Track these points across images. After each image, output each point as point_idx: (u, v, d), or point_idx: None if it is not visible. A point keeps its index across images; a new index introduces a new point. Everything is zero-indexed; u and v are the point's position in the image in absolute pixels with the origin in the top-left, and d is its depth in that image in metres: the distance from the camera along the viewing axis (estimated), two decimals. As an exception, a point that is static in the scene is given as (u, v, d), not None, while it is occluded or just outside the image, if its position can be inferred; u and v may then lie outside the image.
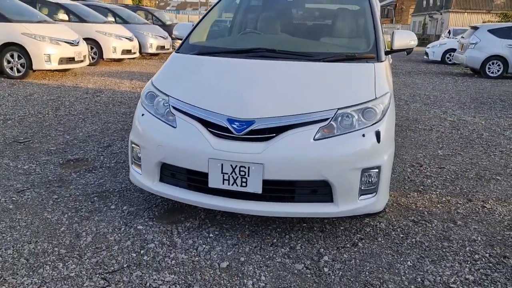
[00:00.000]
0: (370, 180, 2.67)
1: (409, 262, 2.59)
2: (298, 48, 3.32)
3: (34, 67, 8.67)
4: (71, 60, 9.26)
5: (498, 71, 12.44)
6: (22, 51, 8.59)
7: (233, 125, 2.62)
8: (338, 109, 2.66)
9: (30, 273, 2.34)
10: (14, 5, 9.51)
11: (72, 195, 3.34)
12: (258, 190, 2.58)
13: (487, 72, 12.52)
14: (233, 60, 3.13)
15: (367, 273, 2.47)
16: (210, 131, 2.67)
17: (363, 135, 2.61)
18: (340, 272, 2.46)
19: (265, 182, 2.58)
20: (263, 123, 2.60)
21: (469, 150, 4.98)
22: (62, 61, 9.01)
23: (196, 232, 2.84)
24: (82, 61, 9.62)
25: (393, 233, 2.94)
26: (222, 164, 2.59)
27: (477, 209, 3.37)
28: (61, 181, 3.61)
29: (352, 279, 2.40)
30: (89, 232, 2.79)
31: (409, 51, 3.75)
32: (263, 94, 2.76)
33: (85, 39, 10.83)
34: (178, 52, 3.41)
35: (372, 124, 2.67)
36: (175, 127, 2.76)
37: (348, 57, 3.12)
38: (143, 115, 2.95)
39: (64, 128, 5.23)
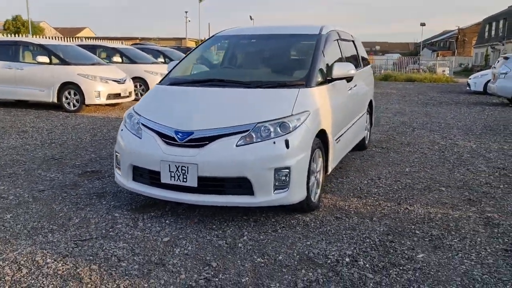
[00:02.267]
0: (282, 178, 3.42)
1: (307, 242, 3.27)
2: (242, 78, 4.21)
3: (86, 102, 10.19)
4: (117, 95, 10.72)
5: (531, 100, 12.36)
6: (77, 89, 10.16)
7: (177, 135, 3.51)
8: (258, 123, 3.46)
9: (27, 238, 3.31)
10: (74, 50, 11.27)
11: (77, 194, 4.35)
12: (194, 184, 3.42)
13: (519, 101, 12.48)
14: (190, 88, 4.08)
15: (270, 247, 3.18)
16: (163, 140, 3.57)
17: (274, 143, 3.38)
18: (250, 247, 3.20)
19: (200, 178, 3.41)
20: (199, 133, 3.47)
21: (437, 168, 5.46)
22: (110, 96, 10.48)
23: (156, 219, 3.70)
24: (128, 96, 11.07)
25: (312, 224, 3.61)
26: (169, 165, 3.47)
27: (399, 210, 3.94)
28: (74, 185, 4.65)
29: (255, 251, 3.13)
30: (78, 217, 3.75)
31: (348, 79, 4.47)
32: (202, 112, 3.65)
33: (134, 78, 12.44)
34: (158, 84, 4.41)
35: (285, 134, 3.44)
36: (141, 138, 3.70)
37: (280, 84, 3.93)
38: (122, 130, 3.93)
39: (93, 149, 6.37)
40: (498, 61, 13.87)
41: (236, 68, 4.91)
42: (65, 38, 24.85)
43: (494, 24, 48.38)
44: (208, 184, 3.45)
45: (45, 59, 10.23)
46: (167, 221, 3.66)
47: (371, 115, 6.75)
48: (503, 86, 12.67)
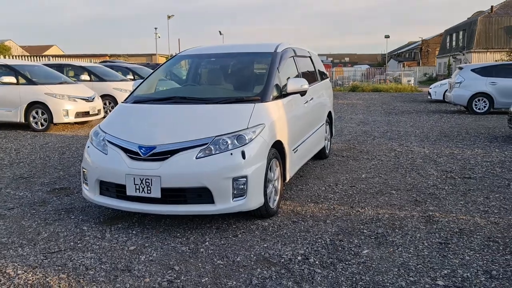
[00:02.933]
0: (240, 186, 3.69)
1: (264, 244, 3.54)
2: (203, 94, 4.51)
3: (54, 121, 10.25)
4: (86, 113, 10.81)
5: (485, 107, 13.10)
6: (45, 108, 10.21)
7: (141, 150, 3.75)
8: (216, 136, 3.74)
9: (-2, 253, 3.47)
10: (41, 70, 11.34)
11: (46, 211, 4.50)
12: (158, 195, 3.66)
13: (474, 109, 13.20)
14: (152, 106, 4.33)
15: (230, 250, 3.44)
16: (127, 155, 3.80)
17: (231, 154, 3.66)
18: (211, 251, 3.44)
19: (163, 190, 3.65)
20: (162, 148, 3.72)
21: (391, 173, 5.85)
22: (78, 115, 10.57)
23: (123, 230, 3.91)
24: (97, 114, 11.17)
25: (270, 228, 3.89)
26: (134, 178, 3.70)
27: (351, 213, 4.27)
28: (43, 202, 4.79)
29: (216, 254, 3.38)
30: (47, 231, 3.91)
31: (302, 93, 4.81)
32: (164, 128, 3.91)
33: (103, 95, 12.56)
34: (123, 102, 4.64)
35: (241, 146, 3.72)
36: (106, 154, 3.92)
37: (237, 99, 4.23)
38: (88, 147, 4.14)
39: (62, 167, 6.50)
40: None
41: (197, 85, 5.22)
42: (32, 57, 24.64)
43: (454, 35, 50.43)
44: (171, 195, 3.69)
45: (11, 79, 10.27)
46: (133, 232, 3.87)
47: (331, 126, 7.12)
48: (458, 95, 13.39)
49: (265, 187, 3.93)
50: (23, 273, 3.11)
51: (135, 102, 4.55)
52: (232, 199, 3.69)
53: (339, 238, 3.64)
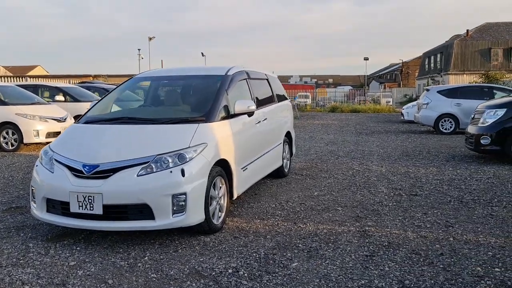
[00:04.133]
0: (179, 203, 3.85)
1: (200, 259, 3.69)
2: (151, 115, 4.71)
3: (24, 141, 10.32)
4: (58, 134, 10.87)
5: (451, 127, 13.53)
6: (15, 128, 10.29)
7: (85, 168, 3.90)
8: (158, 155, 3.91)
9: None
10: (13, 91, 11.45)
11: (-3, 228, 4.59)
12: (100, 212, 3.80)
13: (441, 129, 13.62)
14: (101, 126, 4.51)
15: (166, 265, 3.57)
16: (72, 173, 3.95)
17: (171, 172, 3.84)
18: (148, 265, 3.58)
19: (105, 206, 3.80)
20: (104, 166, 3.88)
21: (343, 191, 6.06)
22: (49, 135, 10.64)
23: (68, 247, 4.02)
24: (68, 134, 11.24)
25: (211, 243, 4.04)
26: (77, 195, 3.84)
27: (292, 228, 4.45)
28: (-4, 220, 4.88)
29: (152, 268, 3.51)
30: (-7, 248, 4.01)
31: (249, 114, 5.04)
32: (108, 147, 4.08)
33: (77, 116, 12.66)
34: (75, 122, 4.81)
35: (181, 164, 3.90)
36: (53, 172, 4.06)
37: (182, 120, 4.43)
38: (37, 165, 4.28)
39: (23, 187, 6.58)
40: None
41: (148, 106, 5.42)
42: (15, 78, 24.62)
43: (432, 57, 51.80)
44: (112, 211, 3.83)
45: (-18, 100, 10.35)
46: (77, 248, 3.99)
47: (290, 145, 7.35)
48: (425, 116, 13.81)
49: (207, 204, 4.10)
50: (-42, 288, 3.20)
51: (86, 122, 4.72)
52: (172, 215, 3.84)
53: (273, 252, 3.80)
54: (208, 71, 5.45)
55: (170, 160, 3.91)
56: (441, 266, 3.47)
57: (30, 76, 37.84)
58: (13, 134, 10.32)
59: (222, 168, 4.44)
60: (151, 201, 3.78)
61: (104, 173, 3.86)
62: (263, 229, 4.44)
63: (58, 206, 4.04)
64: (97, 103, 5.19)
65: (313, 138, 12.87)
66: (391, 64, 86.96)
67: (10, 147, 10.34)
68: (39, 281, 3.33)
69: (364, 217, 4.82)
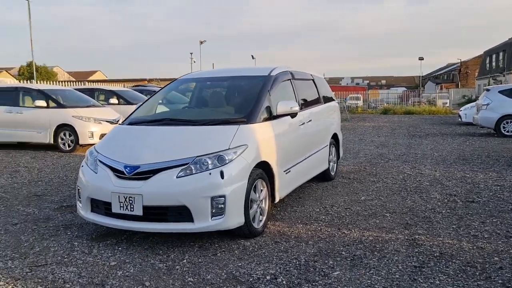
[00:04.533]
0: (218, 205, 3.78)
1: (239, 263, 3.59)
2: (192, 117, 4.68)
3: (80, 142, 10.74)
4: (110, 135, 11.26)
5: (514, 129, 12.65)
6: (72, 130, 10.74)
7: (126, 169, 3.93)
8: (197, 156, 3.87)
9: (-11, 264, 3.70)
10: (71, 94, 11.99)
11: (47, 227, 4.74)
12: (140, 213, 3.81)
13: (503, 131, 12.77)
14: (144, 127, 4.54)
15: (204, 269, 3.51)
16: (114, 174, 3.99)
17: (210, 173, 3.78)
18: (186, 269, 3.53)
19: (145, 208, 3.80)
20: (145, 167, 3.88)
21: (391, 196, 5.77)
22: (103, 136, 10.99)
23: (111, 247, 4.06)
24: (120, 136, 11.60)
25: (250, 248, 3.94)
26: (119, 196, 3.88)
27: (336, 234, 4.26)
28: (46, 219, 5.04)
29: (189, 272, 3.46)
30: (40, 246, 4.13)
31: (292, 115, 4.89)
32: (149, 148, 4.08)
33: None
34: (120, 124, 4.88)
35: (221, 166, 3.83)
36: (96, 173, 4.13)
37: (223, 121, 4.37)
38: (83, 166, 4.37)
39: (75, 186, 6.79)
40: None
41: (189, 108, 5.42)
42: (77, 82, 25.88)
43: (494, 56, 49.06)
44: (152, 213, 3.83)
45: (42, 103, 10.88)
46: (119, 248, 4.02)
47: (337, 148, 7.12)
48: (485, 117, 13.01)
49: (247, 207, 4.00)
50: (4, 285, 3.30)
51: (130, 123, 4.77)
52: (211, 217, 3.78)
53: (314, 259, 3.64)
54: (251, 72, 5.37)
55: (209, 162, 3.85)
56: (500, 281, 3.16)
57: (90, 81, 39.66)
58: (69, 135, 10.77)
59: (263, 171, 4.34)
60: (190, 203, 3.74)
61: (145, 174, 3.87)
62: (305, 234, 4.29)
63: (101, 206, 4.09)
64: (141, 105, 5.25)
65: (362, 141, 12.49)
66: (448, 64, 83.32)
67: (67, 148, 10.79)
68: (79, 280, 3.37)
69: (414, 224, 4.54)
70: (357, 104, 35.92)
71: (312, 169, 5.84)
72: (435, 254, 3.68)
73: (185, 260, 3.70)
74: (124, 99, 14.24)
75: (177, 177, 3.79)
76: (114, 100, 14.10)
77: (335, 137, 6.93)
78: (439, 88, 59.70)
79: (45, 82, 24.17)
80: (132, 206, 3.83)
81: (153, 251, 3.92)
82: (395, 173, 7.37)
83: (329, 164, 6.59)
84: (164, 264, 3.63)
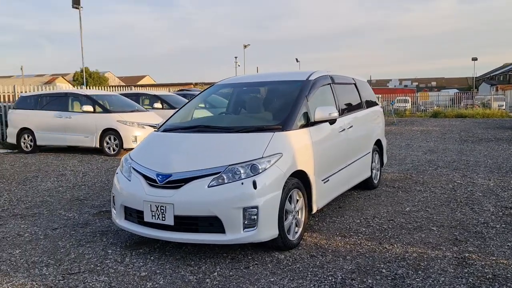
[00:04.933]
0: (251, 217, 3.63)
1: (271, 278, 3.42)
2: (227, 123, 4.57)
3: (124, 146, 10.96)
4: (153, 140, 11.42)
5: None
6: (116, 134, 10.98)
7: (158, 178, 3.86)
8: (229, 165, 3.74)
9: (25, 271, 3.73)
10: (116, 99, 12.28)
11: (84, 232, 4.77)
12: (171, 222, 3.73)
13: None
14: (177, 134, 4.46)
15: (234, 283, 3.37)
16: (147, 182, 3.94)
17: (242, 183, 3.64)
18: (216, 282, 3.40)
19: (176, 217, 3.72)
20: (177, 176, 3.80)
21: (439, 208, 5.40)
22: (146, 141, 11.19)
23: (143, 255, 4.01)
24: (163, 140, 11.75)
25: (284, 261, 3.76)
26: (150, 205, 3.82)
27: (376, 249, 3.99)
28: (85, 224, 5.10)
29: (219, 285, 3.33)
30: (76, 253, 4.14)
31: (331, 121, 4.66)
32: (182, 156, 4.00)
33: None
34: (155, 130, 4.85)
35: (253, 175, 3.68)
36: (130, 181, 4.09)
37: (257, 128, 4.21)
38: (117, 173, 4.35)
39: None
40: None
41: (226, 113, 5.30)
42: (126, 87, 26.65)
43: (555, 55, 46.01)
44: (183, 223, 3.73)
45: (89, 108, 11.22)
46: (151, 257, 3.96)
47: (381, 155, 6.80)
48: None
49: (282, 218, 3.83)
50: (36, 292, 3.31)
51: (165, 130, 4.72)
52: (243, 229, 3.64)
53: (352, 277, 3.41)
54: (289, 77, 5.19)
55: (242, 171, 3.71)
56: (562, 310, 2.81)
57: (138, 85, 40.79)
58: (114, 139, 11.02)
59: (299, 180, 4.15)
60: (221, 214, 3.61)
61: (176, 183, 3.78)
62: (343, 248, 4.05)
63: (134, 214, 4.05)
64: (178, 111, 5.20)
65: (410, 146, 11.96)
66: (505, 64, 79.25)
67: (112, 152, 11.04)
68: (109, 290, 3.32)
69: (464, 240, 4.19)
70: (405, 107, 34.77)
71: (353, 177, 5.57)
72: (488, 276, 3.35)
73: (216, 273, 3.57)
74: (167, 104, 14.42)
75: (208, 187, 3.68)
76: (158, 105, 14.33)
77: (378, 143, 6.62)
78: (495, 89, 56.77)
79: (96, 87, 25.04)
80: (164, 215, 3.76)
81: (184, 262, 3.83)
82: (444, 182, 6.94)
83: (371, 172, 6.29)
84: (195, 277, 3.52)
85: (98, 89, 20.93)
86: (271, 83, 5.20)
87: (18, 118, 12.15)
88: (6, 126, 13.05)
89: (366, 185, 6.30)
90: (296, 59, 46.24)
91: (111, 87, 29.69)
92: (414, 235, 4.38)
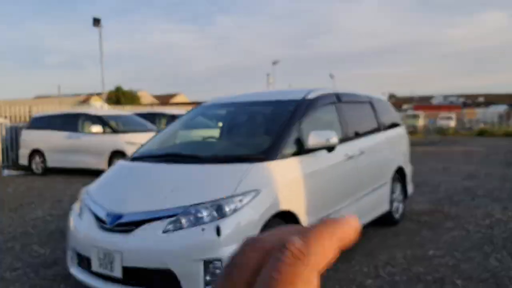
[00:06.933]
0: (215, 271, 2.89)
1: None
2: (201, 151, 3.85)
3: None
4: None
5: None
6: (124, 156, 10.52)
7: (107, 218, 3.20)
8: (190, 205, 3.02)
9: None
10: (129, 119, 11.88)
11: (44, 276, 4.19)
12: (119, 275, 3.04)
13: None
14: (140, 164, 3.80)
15: None
16: (98, 223, 3.28)
17: (203, 229, 2.91)
18: None
19: (125, 269, 3.02)
20: (129, 217, 3.12)
21: (469, 252, 4.44)
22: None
23: (94, 311, 3.33)
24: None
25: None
26: (98, 251, 3.15)
27: (379, 314, 3.12)
28: (52, 264, 4.52)
29: None
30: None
31: (330, 148, 3.86)
32: (138, 192, 3.32)
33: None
34: (122, 159, 4.21)
35: (219, 219, 2.95)
36: (81, 219, 3.45)
37: (236, 158, 3.48)
38: (71, 210, 3.74)
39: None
40: None
41: (201, 140, 4.58)
42: (157, 105, 26.67)
43: None
44: (133, 276, 3.04)
45: (98, 129, 10.85)
46: (102, 314, 3.27)
47: (403, 184, 5.88)
48: None
49: (257, 272, 3.05)
50: None
51: (133, 159, 4.08)
52: (204, 287, 2.89)
53: None
54: (284, 96, 4.44)
55: (204, 213, 2.99)
56: None
57: (170, 104, 41.00)
58: (125, 162, 10.56)
59: (285, 223, 3.37)
60: (177, 267, 2.89)
61: (127, 226, 3.11)
62: (338, 310, 3.21)
63: (85, 261, 3.40)
64: (154, 136, 4.55)
65: (447, 170, 10.81)
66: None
67: (124, 175, 10.58)
68: None
69: (495, 303, 3.25)
70: (448, 124, 32.98)
71: (366, 212, 4.71)
72: None
73: None
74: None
75: (163, 232, 2.97)
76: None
77: (400, 171, 5.71)
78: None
79: (128, 106, 25.07)
80: (111, 266, 3.08)
81: (138, 323, 3.11)
82: (480, 216, 5.90)
83: (391, 205, 5.38)
84: None
85: (129, 107, 20.81)
86: (262, 104, 4.47)
87: (29, 139, 11.96)
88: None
89: (385, 220, 5.40)
90: (330, 75, 44.80)
91: (143, 106, 29.84)
92: (433, 292, 3.48)
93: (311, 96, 4.23)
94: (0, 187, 9.58)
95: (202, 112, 4.99)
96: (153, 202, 3.17)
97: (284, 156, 3.56)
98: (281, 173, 3.45)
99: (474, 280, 3.70)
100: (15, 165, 12.74)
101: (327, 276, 3.86)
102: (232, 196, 3.07)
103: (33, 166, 11.74)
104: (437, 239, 4.91)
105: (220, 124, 4.74)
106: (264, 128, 4.17)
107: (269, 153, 3.48)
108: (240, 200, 3.06)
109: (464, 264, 4.09)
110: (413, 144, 20.02)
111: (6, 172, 12.12)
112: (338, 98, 4.61)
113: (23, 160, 11.99)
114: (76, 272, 3.49)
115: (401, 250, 4.57)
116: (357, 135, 4.74)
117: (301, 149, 3.74)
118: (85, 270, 3.41)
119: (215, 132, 4.71)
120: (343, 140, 4.42)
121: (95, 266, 3.18)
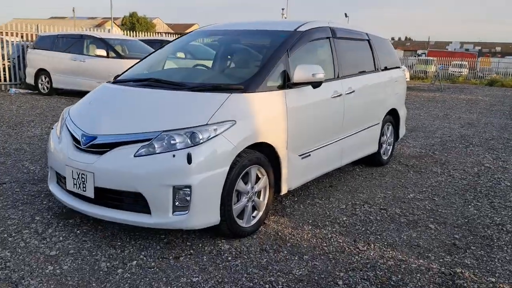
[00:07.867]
0: (184, 198, 2.90)
1: (194, 279, 2.72)
2: (183, 78, 3.74)
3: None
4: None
5: None
6: (128, 82, 10.42)
7: (82, 139, 3.18)
8: (164, 131, 2.98)
9: None
10: (134, 45, 11.64)
11: (29, 191, 4.25)
12: (91, 195, 3.07)
13: None
14: (123, 88, 3.70)
15: (146, 280, 2.70)
16: (73, 143, 3.27)
17: (174, 156, 2.88)
18: (128, 275, 2.75)
19: (97, 189, 3.05)
20: (102, 139, 3.10)
21: (450, 198, 4.45)
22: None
23: (69, 228, 3.40)
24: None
25: (225, 254, 3.05)
26: (72, 171, 3.16)
27: (346, 249, 3.18)
28: (39, 181, 4.58)
29: (128, 281, 2.68)
30: (0, 216, 3.61)
31: (315, 85, 3.74)
32: (114, 115, 3.28)
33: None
34: (107, 81, 4.12)
35: (191, 146, 2.91)
36: (59, 139, 3.44)
37: (215, 87, 3.38)
38: (52, 129, 3.71)
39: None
40: None
41: (188, 67, 4.43)
42: (174, 34, 25.95)
43: None
44: (105, 196, 3.07)
45: (102, 52, 10.66)
46: (77, 231, 3.35)
47: (396, 127, 5.80)
48: None
49: (228, 201, 3.08)
50: None
51: (116, 81, 3.99)
52: (172, 212, 2.92)
53: (296, 287, 2.65)
54: (275, 26, 4.24)
55: (178, 140, 2.95)
56: None
57: (185, 33, 40.03)
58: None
59: (264, 155, 3.35)
60: (146, 191, 2.91)
61: (101, 148, 3.09)
62: (306, 243, 3.27)
63: (63, 180, 3.43)
64: (141, 60, 4.43)
65: (447, 117, 10.67)
66: None
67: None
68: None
69: (463, 248, 3.29)
70: (460, 72, 32.19)
71: (352, 151, 4.68)
72: (475, 308, 2.49)
73: (135, 262, 2.92)
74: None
75: (135, 156, 2.96)
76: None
77: (393, 113, 5.61)
78: None
79: (143, 32, 24.26)
80: (84, 185, 3.10)
81: (111, 241, 3.20)
82: (469, 164, 5.88)
83: (380, 146, 5.35)
84: (107, 264, 2.88)
85: (145, 35, 20.15)
86: (251, 33, 4.28)
87: (36, 59, 11.84)
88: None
89: (373, 160, 5.39)
90: (345, 14, 43.27)
91: (157, 33, 29.01)
92: (403, 233, 3.52)
93: (303, 28, 4.04)
94: (4, 105, 9.60)
95: (194, 38, 4.80)
96: (128, 125, 3.13)
97: (267, 89, 3.46)
98: (262, 105, 3.37)
99: (448, 225, 3.72)
100: (23, 84, 12.69)
101: (300, 210, 3.91)
102: (207, 125, 3.01)
103: (40, 86, 11.72)
104: (421, 183, 4.91)
105: (214, 52, 4.57)
106: (249, 58, 4.03)
107: (249, 84, 3.37)
108: (215, 129, 3.01)
109: (442, 209, 4.11)
110: (419, 89, 19.68)
111: (13, 90, 12.09)
112: (333, 33, 4.41)
113: (30, 79, 11.95)
114: (53, 189, 3.54)
115: (382, 190, 4.59)
116: (350, 73, 4.58)
117: (286, 83, 3.62)
118: (62, 189, 3.45)
119: (207, 61, 4.57)
120: (335, 77, 4.29)
121: (69, 185, 3.21)
